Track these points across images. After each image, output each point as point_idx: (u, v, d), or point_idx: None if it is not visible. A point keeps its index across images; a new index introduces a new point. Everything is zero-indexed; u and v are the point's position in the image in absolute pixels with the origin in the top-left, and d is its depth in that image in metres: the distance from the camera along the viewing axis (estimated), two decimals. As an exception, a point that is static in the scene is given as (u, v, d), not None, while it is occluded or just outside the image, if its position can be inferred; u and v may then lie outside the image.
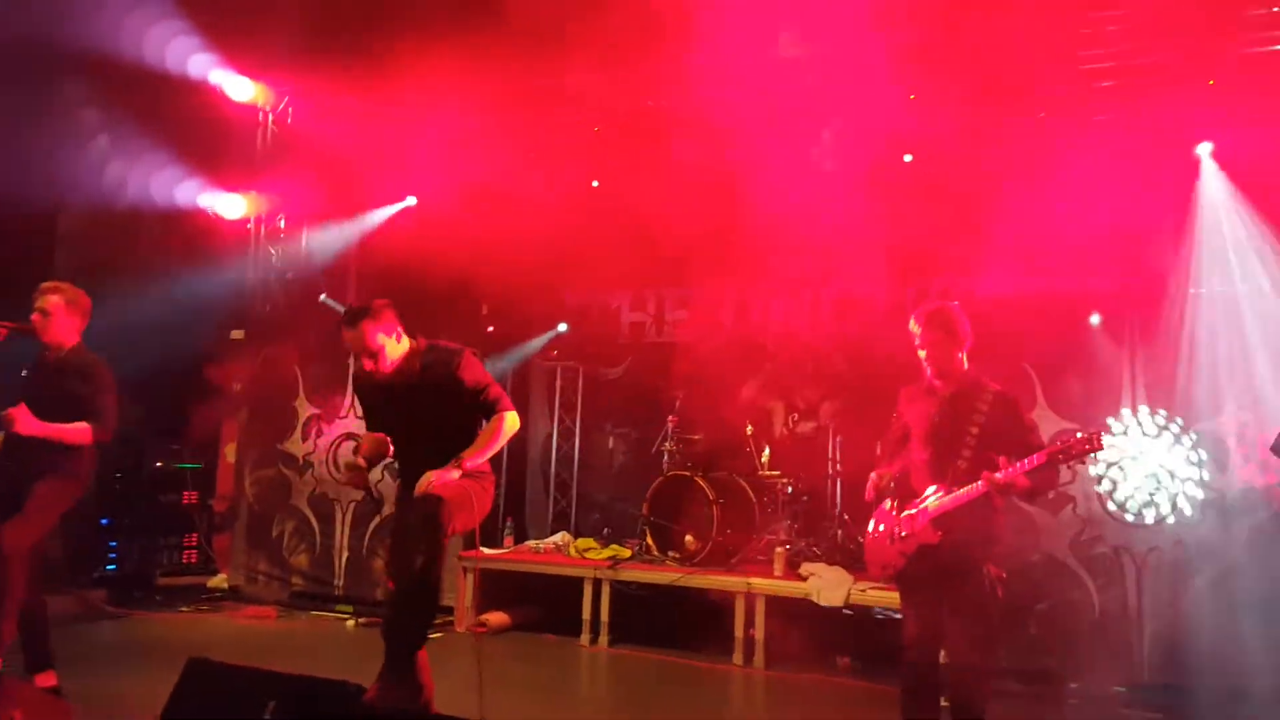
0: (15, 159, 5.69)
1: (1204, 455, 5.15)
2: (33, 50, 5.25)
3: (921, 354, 3.55)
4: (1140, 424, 5.32)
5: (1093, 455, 3.16)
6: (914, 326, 3.58)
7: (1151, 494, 5.23)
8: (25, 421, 4.03)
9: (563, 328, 7.32)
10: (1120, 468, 5.30)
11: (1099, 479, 5.32)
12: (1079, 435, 3.17)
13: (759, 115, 5.85)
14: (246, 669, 2.88)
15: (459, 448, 3.63)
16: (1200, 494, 5.12)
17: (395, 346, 3.70)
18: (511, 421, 3.72)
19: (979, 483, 3.24)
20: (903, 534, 3.46)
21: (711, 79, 5.51)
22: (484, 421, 3.80)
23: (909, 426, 3.63)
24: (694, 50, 5.43)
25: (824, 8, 5.19)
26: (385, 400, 3.77)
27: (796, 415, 6.02)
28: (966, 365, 3.52)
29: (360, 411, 6.54)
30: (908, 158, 6.07)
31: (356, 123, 6.68)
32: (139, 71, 5.66)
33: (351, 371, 6.68)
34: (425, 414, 3.67)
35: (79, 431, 4.14)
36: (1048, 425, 5.39)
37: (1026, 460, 3.19)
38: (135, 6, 5.09)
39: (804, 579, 5.40)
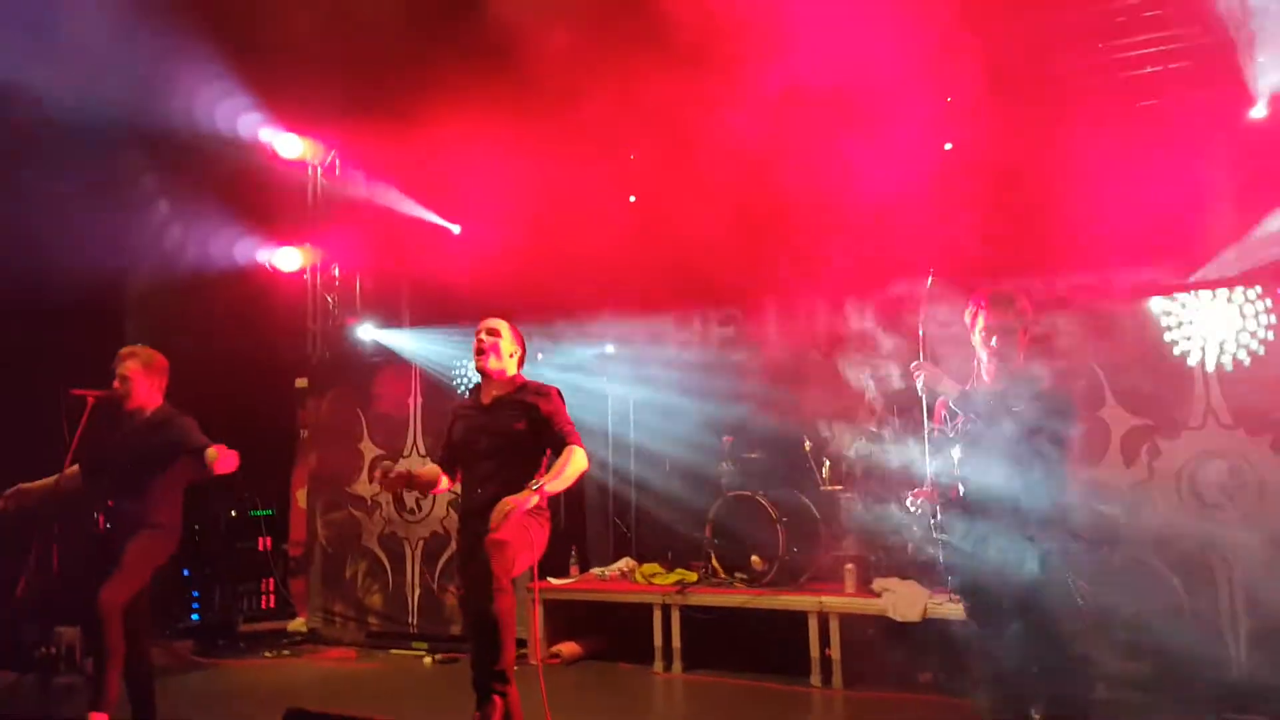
0: (81, 229, 5.97)
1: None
2: (93, 123, 5.50)
3: (980, 342, 3.30)
4: (1216, 415, 5.11)
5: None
6: (972, 312, 3.34)
7: (1233, 487, 5.02)
8: (227, 460, 4.32)
9: (610, 349, 7.35)
10: (1200, 462, 5.10)
11: (1178, 476, 5.12)
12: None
13: (792, 129, 5.84)
14: (341, 717, 2.94)
15: (522, 485, 3.72)
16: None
17: (511, 365, 4.00)
18: (580, 457, 3.79)
19: None
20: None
21: (741, 100, 5.50)
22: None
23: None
24: (721, 74, 5.45)
25: (847, 24, 5.13)
26: (477, 424, 3.97)
27: (860, 435, 5.92)
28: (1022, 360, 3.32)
29: (423, 449, 6.76)
30: (948, 145, 6.00)
31: (400, 165, 6.86)
32: (193, 136, 5.89)
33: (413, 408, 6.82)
34: (507, 443, 3.86)
35: (224, 462, 4.34)
36: (1119, 424, 5.24)
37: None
38: (187, 74, 5.29)
39: (877, 595, 5.30)
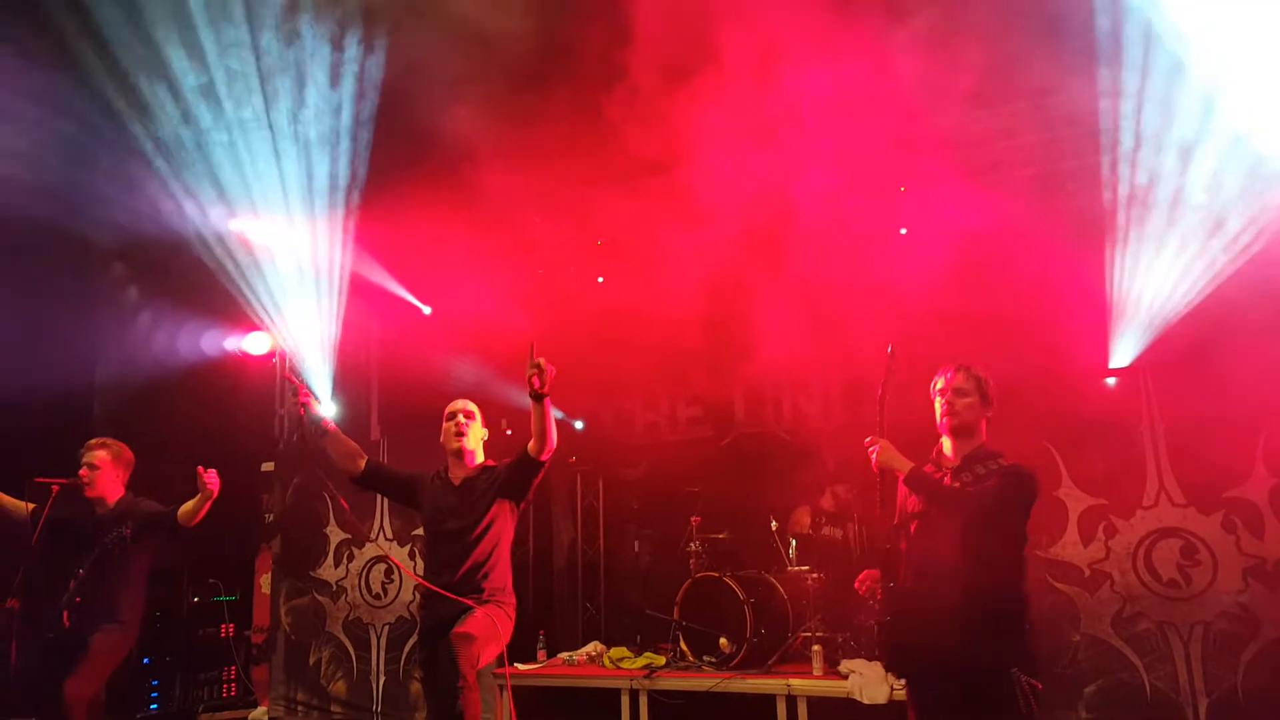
0: (49, 319, 6.00)
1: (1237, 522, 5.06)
2: (60, 218, 5.59)
3: (941, 413, 3.28)
4: (1168, 493, 5.25)
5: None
6: (938, 384, 3.34)
7: (1188, 566, 5.13)
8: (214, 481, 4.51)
9: (579, 425, 7.41)
10: (1154, 541, 5.21)
11: (1133, 554, 5.22)
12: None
13: (753, 214, 6.02)
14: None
15: (488, 567, 3.98)
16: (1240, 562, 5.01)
17: (481, 448, 4.18)
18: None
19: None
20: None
21: (706, 191, 5.69)
22: (516, 508, 4.15)
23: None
24: (690, 165, 5.64)
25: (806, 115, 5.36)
26: (443, 502, 4.10)
27: (823, 518, 5.99)
28: (985, 437, 3.32)
29: (390, 533, 6.73)
30: (903, 230, 6.21)
31: (367, 247, 6.96)
32: (160, 228, 5.98)
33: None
34: (470, 520, 3.99)
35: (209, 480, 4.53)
36: (1076, 503, 5.35)
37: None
38: (152, 171, 5.40)
39: (844, 676, 5.30)
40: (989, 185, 5.59)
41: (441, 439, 4.22)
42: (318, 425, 4.16)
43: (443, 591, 3.93)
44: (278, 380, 7.33)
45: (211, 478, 4.48)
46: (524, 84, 5.22)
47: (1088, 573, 5.25)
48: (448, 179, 5.83)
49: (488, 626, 3.85)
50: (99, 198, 5.32)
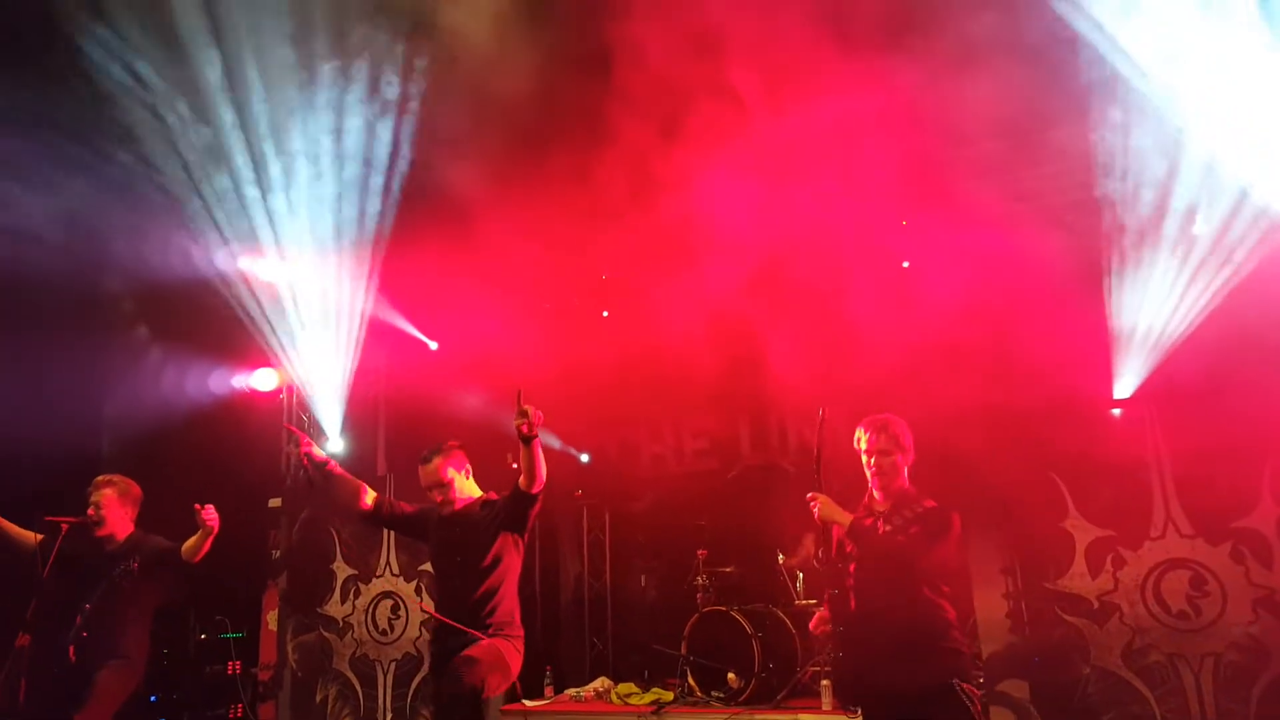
0: (57, 359, 6.07)
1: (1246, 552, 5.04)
2: (69, 259, 5.68)
3: (865, 465, 3.56)
4: (1175, 524, 5.23)
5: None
6: (861, 443, 3.59)
7: (1198, 597, 5.10)
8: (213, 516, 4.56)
9: (585, 458, 7.41)
10: (1162, 572, 5.19)
11: (1142, 586, 5.20)
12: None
13: (758, 248, 6.08)
14: None
15: (495, 601, 4.00)
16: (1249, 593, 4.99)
17: (465, 483, 4.19)
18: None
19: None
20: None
21: (711, 225, 5.75)
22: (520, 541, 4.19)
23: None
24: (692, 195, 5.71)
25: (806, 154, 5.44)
26: (447, 537, 4.14)
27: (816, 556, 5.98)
28: (908, 482, 3.57)
29: (396, 569, 6.73)
30: (905, 264, 6.26)
31: (374, 284, 7.03)
32: (169, 270, 6.07)
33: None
34: (475, 554, 4.02)
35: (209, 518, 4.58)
36: (1083, 535, 5.34)
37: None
38: (161, 215, 5.50)
39: (855, 712, 5.26)
40: (991, 219, 5.65)
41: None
42: (322, 470, 4.18)
43: (450, 622, 3.94)
44: (285, 417, 7.37)
45: (210, 513, 4.54)
46: (527, 134, 5.32)
47: (1096, 605, 5.23)
48: (454, 217, 5.91)
49: (494, 654, 3.88)
50: (109, 238, 5.41)
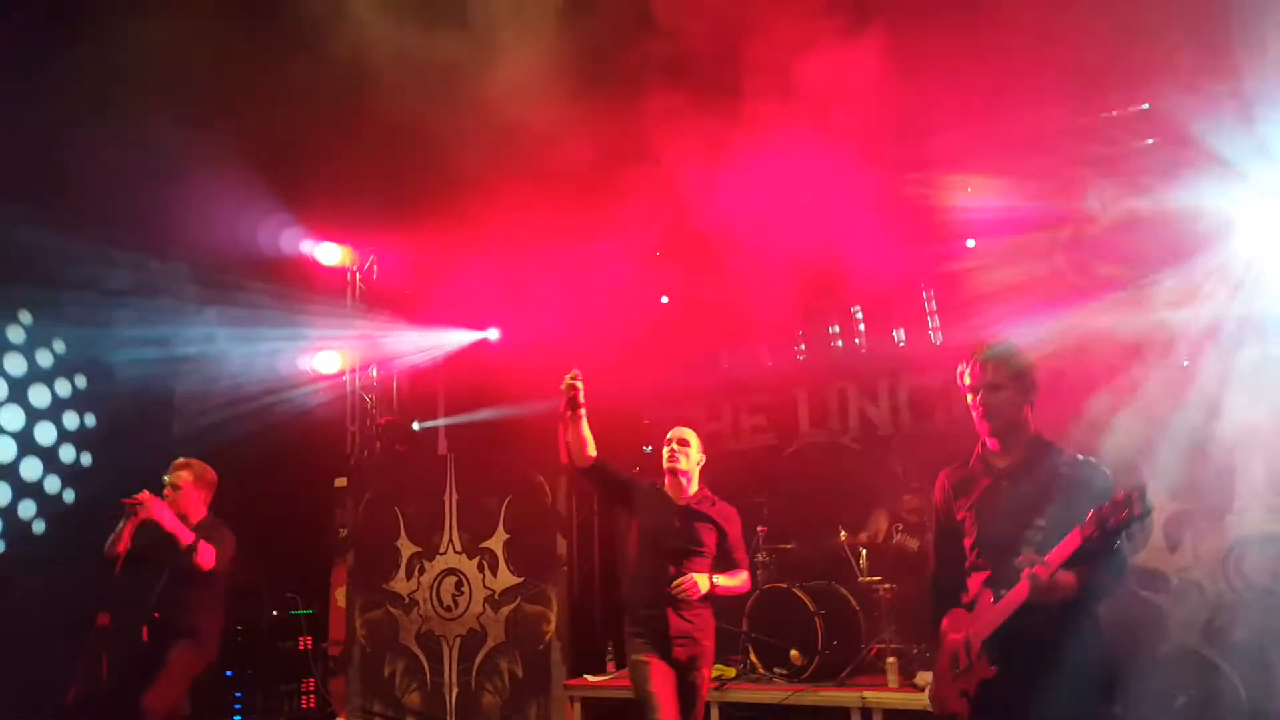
0: (130, 339, 6.26)
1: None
2: (138, 241, 5.83)
3: (975, 411, 2.81)
4: (1260, 498, 5.02)
5: (1137, 521, 2.36)
6: (965, 374, 2.86)
7: (1282, 572, 4.90)
8: (157, 506, 4.56)
9: (648, 449, 7.40)
10: (1244, 546, 4.99)
11: (1224, 561, 5.00)
12: (1109, 501, 2.40)
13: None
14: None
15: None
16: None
17: (697, 475, 4.34)
18: (745, 579, 4.38)
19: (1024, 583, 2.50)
20: (960, 667, 2.71)
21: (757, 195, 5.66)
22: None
23: (958, 521, 2.88)
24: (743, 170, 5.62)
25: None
26: (668, 524, 4.21)
27: (898, 526, 5.88)
28: (1034, 427, 2.83)
29: (459, 546, 6.81)
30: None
31: (436, 268, 7.11)
32: (237, 250, 6.20)
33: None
34: (696, 543, 4.18)
35: (201, 551, 4.60)
36: (1160, 510, 5.13)
37: (1055, 550, 2.47)
38: (230, 196, 5.60)
39: (921, 689, 5.18)
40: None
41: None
42: (576, 409, 4.07)
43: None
44: (349, 397, 7.52)
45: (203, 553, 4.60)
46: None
47: (1176, 581, 5.05)
48: (507, 201, 5.91)
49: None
50: (179, 212, 5.55)
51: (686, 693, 4.13)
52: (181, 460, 5.01)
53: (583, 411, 4.08)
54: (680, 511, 4.25)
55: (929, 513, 3.05)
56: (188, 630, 4.74)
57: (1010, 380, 2.77)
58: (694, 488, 4.34)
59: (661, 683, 4.07)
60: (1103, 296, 5.44)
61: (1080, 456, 2.76)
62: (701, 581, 4.03)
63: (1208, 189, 4.95)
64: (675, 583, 4.00)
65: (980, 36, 4.40)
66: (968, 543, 2.83)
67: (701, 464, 4.39)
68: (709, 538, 4.24)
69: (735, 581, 4.27)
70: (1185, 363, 5.19)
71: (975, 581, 2.77)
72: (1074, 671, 2.49)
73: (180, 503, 4.83)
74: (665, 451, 4.34)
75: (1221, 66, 4.50)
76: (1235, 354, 5.04)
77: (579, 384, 4.03)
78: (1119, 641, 3.04)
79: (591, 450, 4.18)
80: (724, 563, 4.29)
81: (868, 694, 5.29)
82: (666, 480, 4.35)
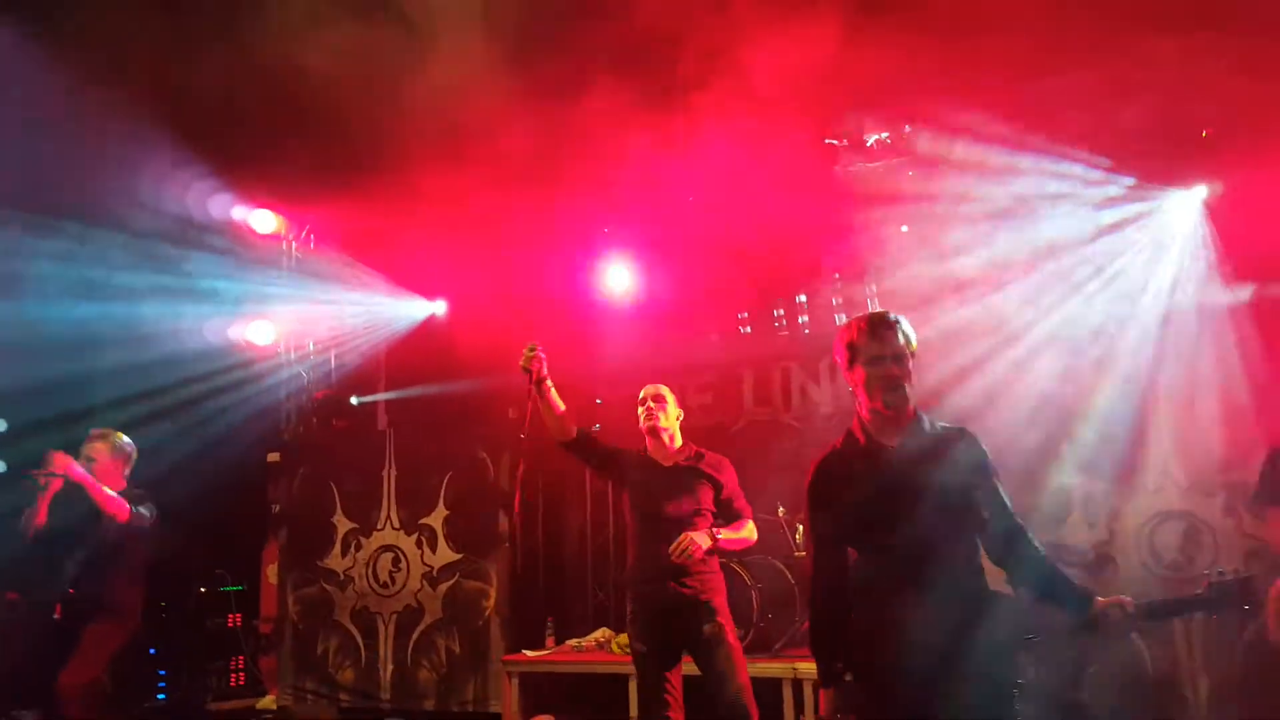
0: (54, 305, 5.99)
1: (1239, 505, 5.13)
2: (62, 207, 5.58)
3: (877, 383, 2.63)
4: (1172, 476, 5.31)
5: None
6: (862, 346, 2.67)
7: (1190, 548, 5.20)
8: (65, 462, 4.44)
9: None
10: (1156, 524, 5.28)
11: (1137, 537, 5.29)
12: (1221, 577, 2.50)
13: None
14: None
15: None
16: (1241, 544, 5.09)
17: (678, 431, 4.19)
18: (752, 529, 4.14)
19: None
20: None
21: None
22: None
23: (843, 515, 2.70)
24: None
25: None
26: (658, 487, 4.06)
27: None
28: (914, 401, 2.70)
29: (397, 522, 6.74)
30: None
31: (377, 238, 6.96)
32: (163, 217, 5.97)
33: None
34: (685, 500, 4.00)
35: (112, 500, 4.50)
36: (1079, 489, 5.40)
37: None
38: (157, 161, 5.39)
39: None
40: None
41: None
42: (540, 385, 3.88)
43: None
44: (282, 369, 7.33)
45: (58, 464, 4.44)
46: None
47: (1092, 556, 5.32)
48: (448, 175, 5.81)
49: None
50: (103, 177, 5.32)
51: (708, 667, 3.87)
52: (97, 431, 4.85)
53: (549, 384, 3.92)
54: (668, 473, 4.08)
55: (804, 503, 2.84)
56: (105, 606, 4.61)
57: (907, 353, 2.67)
58: (678, 443, 4.18)
59: (654, 673, 3.89)
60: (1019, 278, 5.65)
61: (954, 426, 2.75)
62: (701, 539, 3.82)
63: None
64: (673, 545, 3.78)
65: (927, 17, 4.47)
66: (863, 522, 2.68)
67: (681, 418, 4.23)
68: (705, 495, 4.04)
69: (741, 533, 4.05)
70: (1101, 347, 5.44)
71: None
72: (987, 642, 2.50)
73: (97, 476, 4.67)
74: (641, 412, 4.15)
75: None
76: (1148, 338, 5.33)
77: (542, 355, 3.87)
78: (1033, 612, 3.08)
79: (571, 424, 4.05)
80: (726, 516, 4.10)
81: (799, 665, 5.43)
82: (649, 443, 4.17)
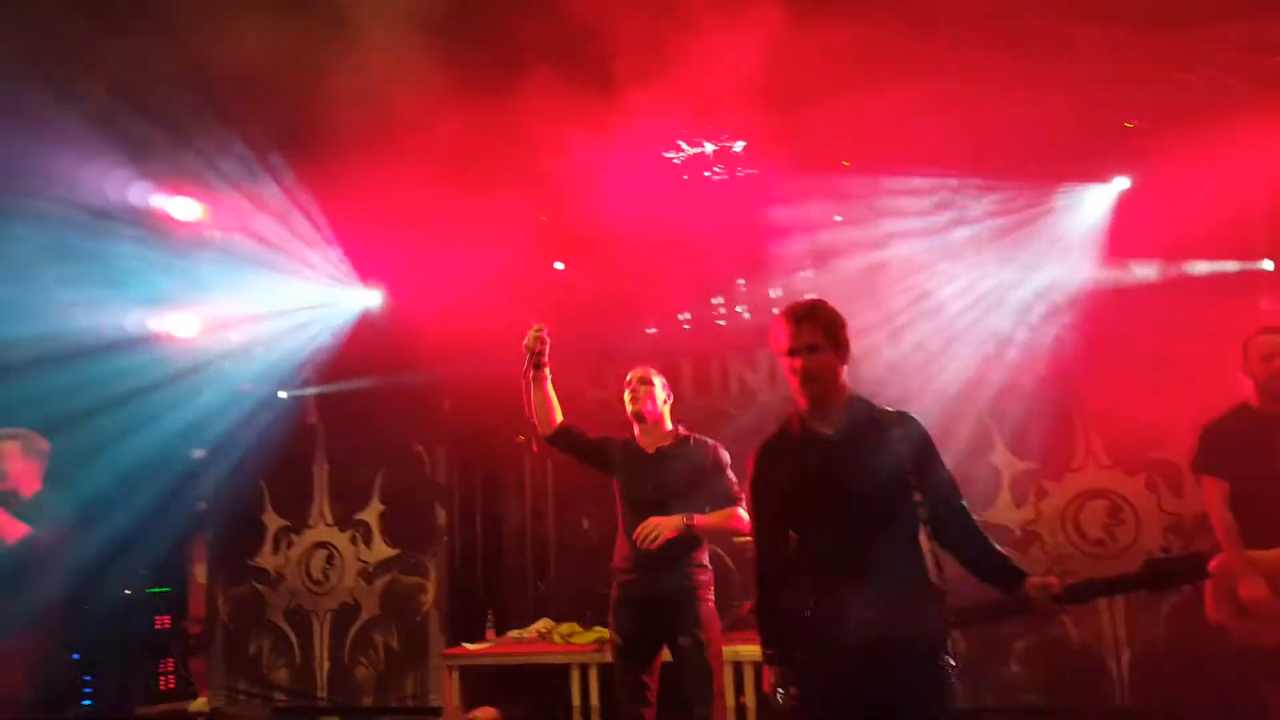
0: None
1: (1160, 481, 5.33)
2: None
3: (793, 377, 2.66)
4: (1096, 457, 5.49)
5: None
6: (780, 337, 2.69)
7: (1113, 524, 5.39)
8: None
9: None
10: (1081, 501, 5.46)
11: (1063, 515, 5.46)
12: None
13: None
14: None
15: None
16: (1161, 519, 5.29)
17: (667, 415, 3.99)
18: (740, 518, 3.76)
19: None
20: None
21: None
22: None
23: (781, 502, 2.74)
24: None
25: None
26: (645, 473, 3.88)
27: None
28: (849, 387, 2.73)
29: (330, 519, 6.59)
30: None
31: (307, 226, 6.73)
32: (80, 203, 5.70)
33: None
34: (671, 485, 3.80)
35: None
36: (1009, 469, 5.56)
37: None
38: (67, 149, 5.14)
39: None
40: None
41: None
42: (540, 370, 3.78)
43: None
44: (206, 364, 7.08)
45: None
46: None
47: (1020, 534, 5.48)
48: (379, 163, 5.66)
49: (712, 619, 3.88)
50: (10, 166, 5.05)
51: (679, 680, 3.76)
52: (7, 431, 4.63)
53: (547, 371, 3.78)
54: (653, 460, 3.90)
55: (746, 495, 2.90)
56: (14, 614, 4.42)
57: (826, 340, 2.65)
58: (667, 427, 3.99)
59: (629, 668, 3.78)
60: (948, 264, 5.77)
61: (894, 410, 2.76)
62: (669, 524, 3.61)
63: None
64: (636, 531, 3.58)
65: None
66: (799, 509, 2.73)
67: (669, 402, 4.04)
68: (691, 480, 3.84)
69: (720, 518, 3.77)
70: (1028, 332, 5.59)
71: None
72: (921, 621, 2.56)
73: (10, 477, 4.46)
74: (627, 395, 3.97)
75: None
76: (1072, 324, 5.49)
77: (547, 336, 3.70)
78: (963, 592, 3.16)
79: (558, 415, 3.90)
80: (715, 501, 3.84)
81: (740, 648, 5.48)
82: (635, 429, 4.00)
